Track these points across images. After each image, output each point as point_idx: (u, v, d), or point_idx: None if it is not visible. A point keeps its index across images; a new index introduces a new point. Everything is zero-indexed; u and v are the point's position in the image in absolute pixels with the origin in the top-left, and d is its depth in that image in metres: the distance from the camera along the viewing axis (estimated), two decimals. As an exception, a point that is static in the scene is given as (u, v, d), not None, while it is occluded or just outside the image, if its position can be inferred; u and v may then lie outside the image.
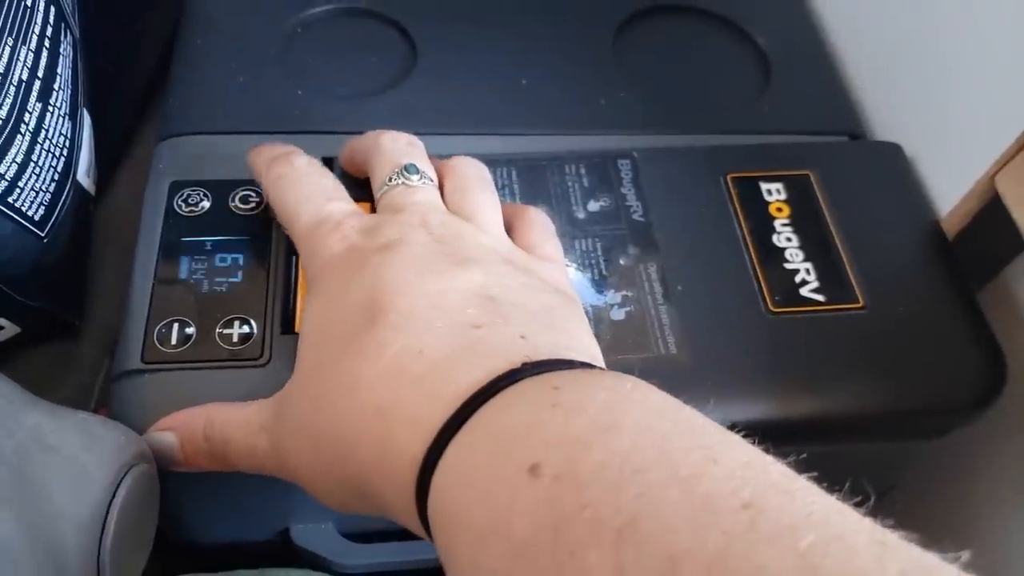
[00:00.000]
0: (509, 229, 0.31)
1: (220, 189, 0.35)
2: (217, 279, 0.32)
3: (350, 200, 0.30)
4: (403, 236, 0.27)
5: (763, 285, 0.34)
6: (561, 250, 0.31)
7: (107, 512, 0.24)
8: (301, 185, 0.30)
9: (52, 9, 0.34)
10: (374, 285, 0.25)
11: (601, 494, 0.17)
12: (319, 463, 0.25)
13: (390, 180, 0.30)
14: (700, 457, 0.17)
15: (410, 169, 0.30)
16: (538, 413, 0.20)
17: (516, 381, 0.21)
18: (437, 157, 0.33)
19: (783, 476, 0.17)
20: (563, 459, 0.18)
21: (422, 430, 0.21)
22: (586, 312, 0.33)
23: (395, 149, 0.31)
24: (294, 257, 0.34)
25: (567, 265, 0.34)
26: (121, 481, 0.25)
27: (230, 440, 0.27)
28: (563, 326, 0.26)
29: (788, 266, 0.35)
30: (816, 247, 0.35)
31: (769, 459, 0.18)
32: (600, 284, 0.34)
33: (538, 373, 0.21)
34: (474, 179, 0.31)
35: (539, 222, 0.31)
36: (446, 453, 0.21)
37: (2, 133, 0.31)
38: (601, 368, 0.23)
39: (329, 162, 0.36)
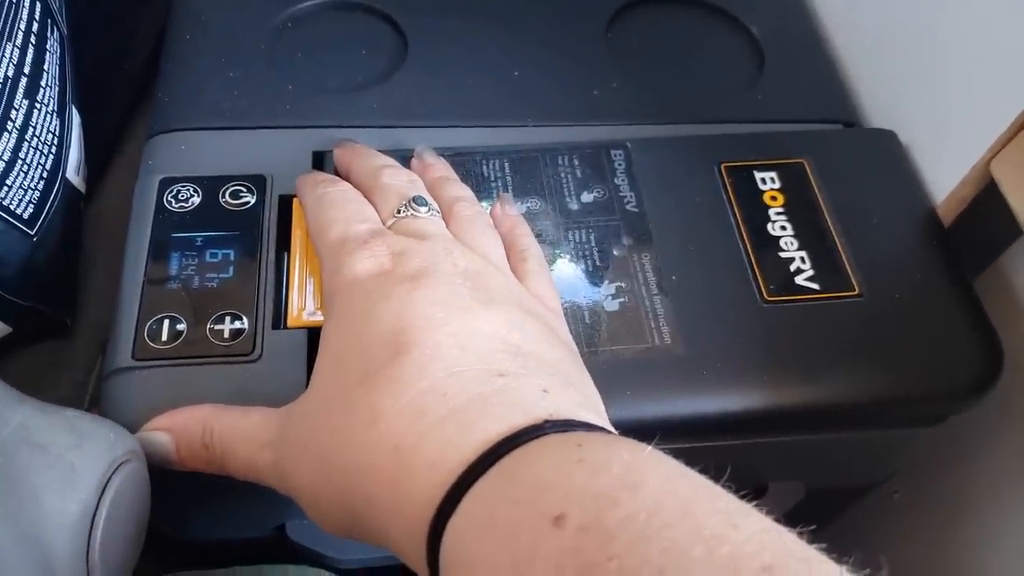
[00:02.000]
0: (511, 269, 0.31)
1: (210, 185, 0.35)
2: (208, 275, 0.32)
3: (381, 225, 0.30)
4: (431, 266, 0.27)
5: (758, 274, 0.34)
6: (559, 299, 0.32)
7: (96, 510, 0.24)
8: (339, 205, 0.30)
9: (38, 6, 0.34)
10: (400, 316, 0.25)
11: (628, 547, 0.18)
12: (323, 489, 0.25)
13: (399, 212, 0.30)
14: (721, 520, 0.18)
15: (419, 201, 0.30)
16: (563, 466, 0.20)
17: (539, 436, 0.21)
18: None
19: (797, 544, 0.18)
20: (589, 511, 0.18)
21: (441, 473, 0.22)
22: (580, 304, 0.33)
23: (398, 183, 0.31)
24: (285, 252, 0.34)
25: (561, 257, 0.34)
26: (110, 478, 0.25)
27: (230, 452, 0.27)
28: (577, 382, 0.26)
29: (783, 255, 0.35)
30: (811, 236, 0.35)
31: (783, 528, 0.18)
32: (594, 275, 0.34)
33: (561, 431, 0.22)
34: (479, 219, 0.31)
35: (542, 272, 0.31)
36: (466, 498, 0.21)
37: (-12, 130, 0.31)
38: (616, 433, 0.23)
39: (320, 156, 0.36)
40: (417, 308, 0.25)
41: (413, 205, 0.30)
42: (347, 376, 0.25)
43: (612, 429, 0.24)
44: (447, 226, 0.31)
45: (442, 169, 0.34)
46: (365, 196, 0.32)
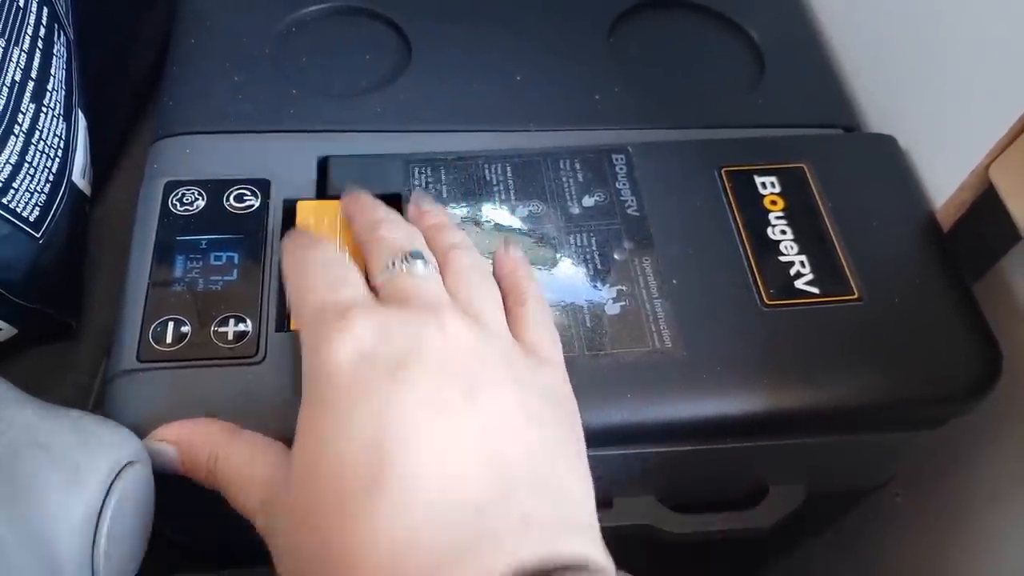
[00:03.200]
0: (507, 313, 0.30)
1: (215, 188, 0.35)
2: (212, 277, 0.32)
3: (367, 292, 0.28)
4: (415, 347, 0.26)
5: (758, 278, 0.34)
6: (559, 342, 0.30)
7: (101, 511, 0.24)
8: (317, 270, 0.29)
9: (45, 10, 0.34)
10: (380, 425, 0.24)
11: None
12: None
13: (393, 265, 0.29)
14: None
15: (415, 255, 0.29)
16: None
17: None
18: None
19: None
20: None
21: None
22: (581, 307, 0.33)
23: (395, 237, 0.30)
24: (289, 255, 0.34)
25: (562, 261, 0.34)
26: (115, 480, 0.25)
27: (230, 492, 0.27)
28: (567, 482, 0.25)
29: (783, 259, 0.35)
30: (811, 240, 0.35)
31: None
32: (595, 279, 0.34)
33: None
34: (474, 270, 0.30)
35: (540, 316, 0.30)
36: None
37: (-5, 134, 0.31)
38: (598, 564, 0.23)
39: (324, 162, 0.37)
40: (397, 415, 0.24)
41: (408, 259, 0.29)
42: (324, 490, 0.24)
43: (598, 531, 0.24)
44: (443, 276, 0.30)
45: (439, 216, 0.33)
46: (362, 249, 0.31)
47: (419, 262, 0.29)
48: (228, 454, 0.27)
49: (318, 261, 0.29)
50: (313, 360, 0.26)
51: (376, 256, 0.30)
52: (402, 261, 0.29)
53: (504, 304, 0.30)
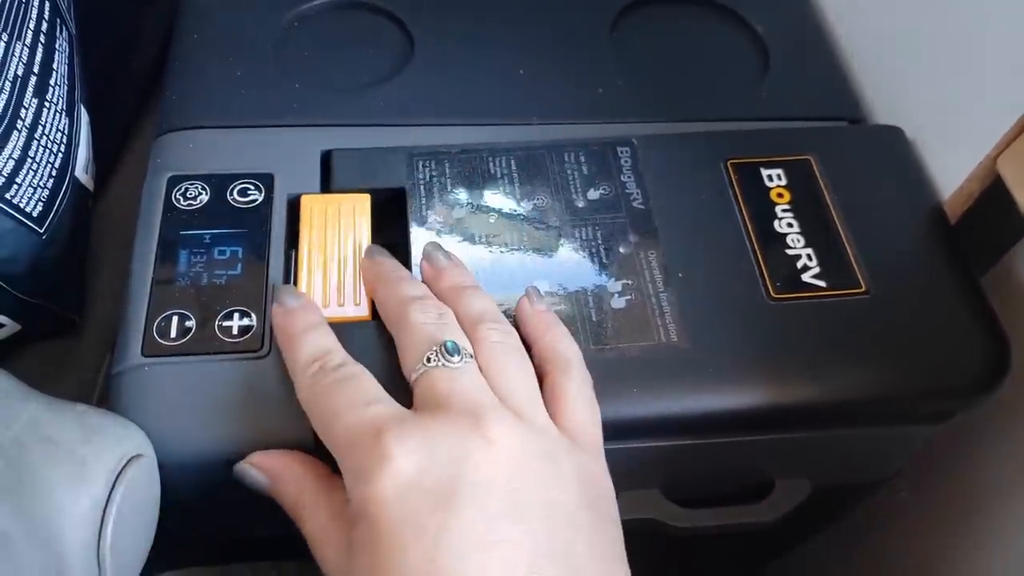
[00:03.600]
0: (546, 381, 0.29)
1: (218, 182, 0.35)
2: (216, 272, 0.32)
3: (391, 401, 0.27)
4: (462, 467, 0.25)
5: (764, 271, 0.34)
6: (599, 416, 0.29)
7: (106, 504, 0.24)
8: (338, 391, 0.28)
9: (47, 4, 0.34)
10: (433, 563, 0.24)
11: None
12: None
13: (428, 360, 0.28)
14: None
15: (450, 348, 0.28)
16: None
17: None
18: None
19: None
20: None
21: None
22: (587, 302, 0.33)
23: (427, 323, 0.29)
24: (292, 249, 0.34)
25: (567, 254, 0.34)
26: (121, 473, 0.25)
27: (310, 542, 0.28)
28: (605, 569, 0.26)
29: (789, 252, 0.35)
30: (817, 232, 0.35)
31: None
32: (600, 272, 0.34)
33: None
34: (506, 346, 0.29)
35: (581, 388, 0.29)
36: None
37: (-2, 128, 0.31)
38: None
39: (328, 155, 0.36)
40: (447, 554, 0.24)
41: (444, 353, 0.28)
42: None
43: None
44: (474, 351, 0.29)
45: (457, 275, 0.32)
46: (391, 331, 0.30)
47: (456, 357, 0.28)
48: (315, 504, 0.28)
49: (336, 380, 0.28)
50: (357, 490, 0.26)
51: (409, 348, 0.29)
52: (437, 356, 0.28)
53: (544, 370, 0.30)
